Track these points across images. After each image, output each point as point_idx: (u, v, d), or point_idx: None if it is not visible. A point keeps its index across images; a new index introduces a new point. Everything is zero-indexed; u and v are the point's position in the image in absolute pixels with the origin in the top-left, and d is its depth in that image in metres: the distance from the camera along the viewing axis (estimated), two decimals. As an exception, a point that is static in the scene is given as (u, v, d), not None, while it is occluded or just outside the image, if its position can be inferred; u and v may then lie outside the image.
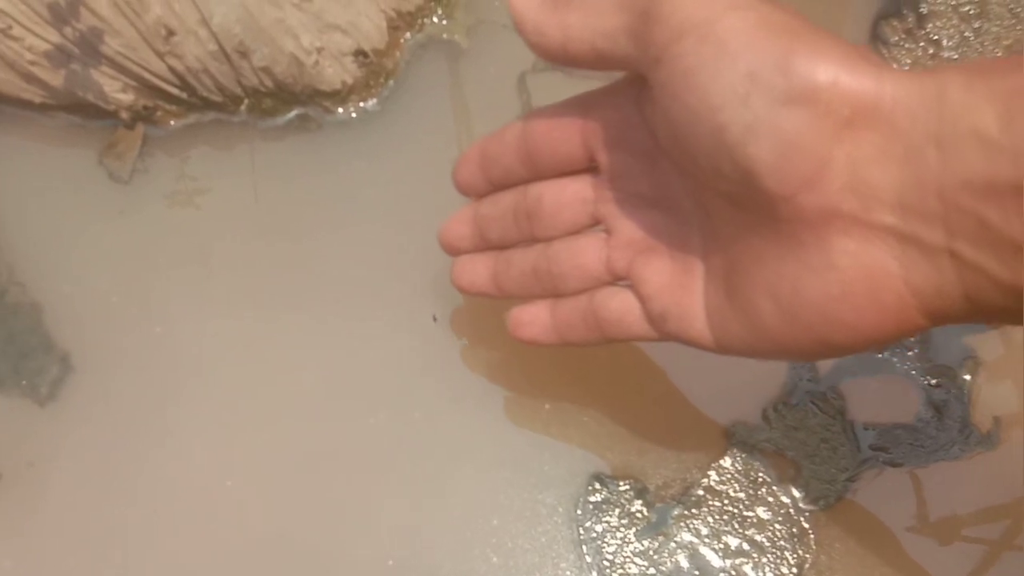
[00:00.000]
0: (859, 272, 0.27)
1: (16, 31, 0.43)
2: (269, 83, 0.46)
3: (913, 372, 0.42)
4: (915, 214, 0.25)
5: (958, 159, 0.24)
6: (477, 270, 0.38)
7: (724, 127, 0.27)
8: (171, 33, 0.43)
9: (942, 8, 0.47)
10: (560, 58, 0.31)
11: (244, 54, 0.44)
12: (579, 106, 0.34)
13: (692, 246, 0.33)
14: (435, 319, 0.44)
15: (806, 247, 0.27)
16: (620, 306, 0.34)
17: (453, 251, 0.39)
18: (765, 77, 0.26)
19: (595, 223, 0.36)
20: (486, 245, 0.38)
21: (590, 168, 0.35)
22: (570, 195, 0.35)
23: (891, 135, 0.25)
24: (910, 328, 0.27)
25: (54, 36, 0.44)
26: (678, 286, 0.33)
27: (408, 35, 0.49)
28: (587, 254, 0.35)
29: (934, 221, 0.25)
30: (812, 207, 0.26)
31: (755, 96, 0.26)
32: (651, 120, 0.31)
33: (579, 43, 0.30)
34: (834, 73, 0.25)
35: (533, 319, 0.37)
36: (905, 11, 0.48)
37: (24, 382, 0.44)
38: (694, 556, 0.40)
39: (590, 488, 0.41)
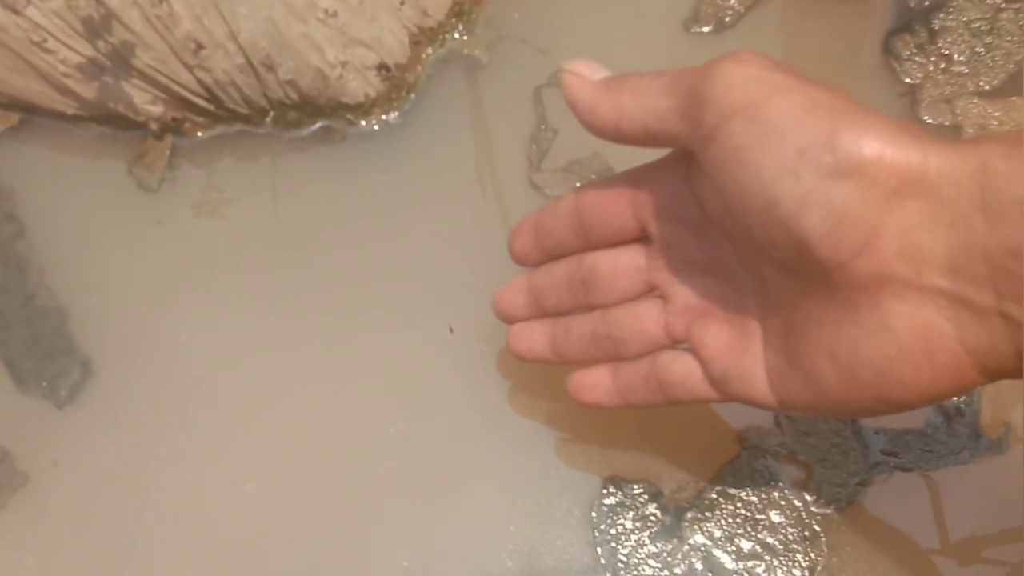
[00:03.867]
0: (914, 333, 0.28)
1: (51, 44, 0.44)
2: (294, 96, 0.47)
3: (924, 379, 0.42)
4: (965, 277, 0.27)
5: (1004, 226, 0.26)
6: (535, 337, 0.39)
7: (776, 200, 0.28)
8: (200, 47, 0.45)
9: (953, 24, 0.48)
10: (612, 136, 0.33)
11: (271, 67, 0.46)
12: (628, 180, 0.35)
13: (748, 310, 0.34)
14: (451, 330, 0.45)
15: (861, 310, 0.28)
16: (682, 369, 0.35)
17: (508, 319, 0.40)
18: (813, 153, 0.27)
19: (650, 290, 0.37)
20: (542, 313, 0.39)
21: (641, 238, 0.36)
22: (624, 264, 0.36)
23: (938, 203, 0.27)
24: (966, 384, 0.28)
25: (87, 49, 0.45)
26: (737, 349, 0.34)
27: (430, 50, 0.50)
28: (646, 319, 0.36)
29: (983, 283, 0.26)
30: (865, 272, 0.28)
31: (804, 171, 0.27)
32: (700, 193, 0.33)
33: (631, 123, 0.32)
34: (879, 147, 0.27)
35: (595, 383, 0.38)
36: (917, 26, 0.49)
37: (45, 383, 0.45)
38: (707, 558, 0.40)
39: (605, 491, 0.42)
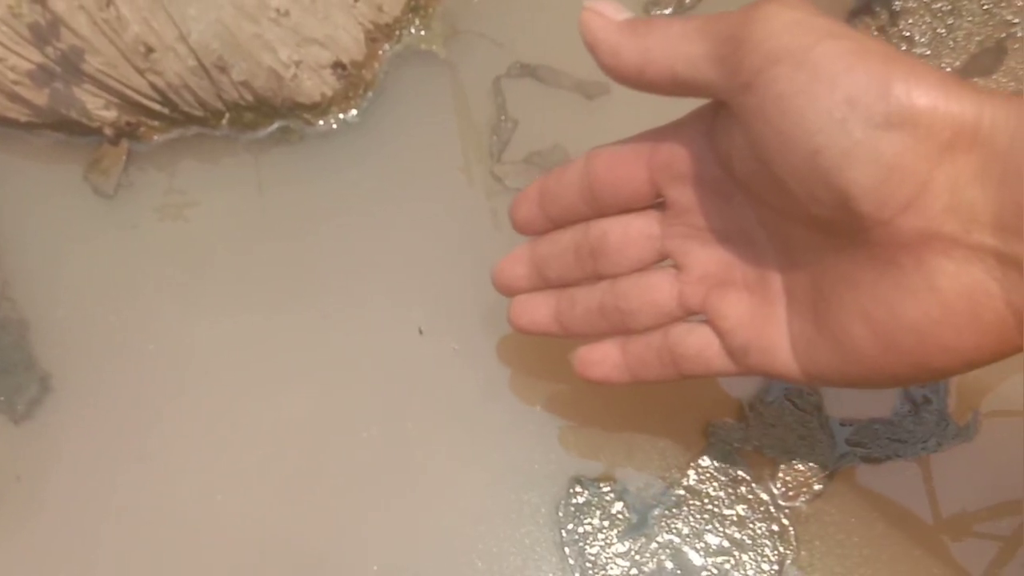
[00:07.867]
0: (960, 293, 0.27)
1: (-2, 52, 0.44)
2: (249, 97, 0.46)
3: (890, 367, 0.42)
4: (1014, 235, 0.26)
5: None
6: (538, 309, 0.38)
7: (820, 151, 0.27)
8: (150, 50, 0.44)
9: (914, 5, 0.48)
10: (634, 82, 0.31)
11: (223, 69, 0.45)
12: (645, 141, 0.34)
13: (770, 277, 0.33)
14: (421, 332, 0.45)
15: (904, 269, 0.27)
16: (698, 342, 0.34)
17: (508, 292, 0.39)
18: (864, 102, 0.26)
19: (661, 259, 0.35)
20: (545, 284, 0.38)
21: (655, 204, 0.35)
22: (636, 231, 0.35)
23: (990, 157, 0.26)
24: (1009, 349, 0.27)
25: (36, 56, 0.44)
26: (759, 318, 0.33)
27: (386, 46, 0.49)
28: (658, 290, 0.35)
29: None
30: (911, 229, 0.27)
31: (853, 120, 0.26)
32: (727, 150, 0.31)
33: (658, 67, 0.30)
34: (933, 97, 0.26)
35: (603, 358, 0.37)
36: (878, 8, 0.48)
37: (2, 398, 0.44)
38: (676, 555, 0.40)
39: (571, 491, 0.41)
